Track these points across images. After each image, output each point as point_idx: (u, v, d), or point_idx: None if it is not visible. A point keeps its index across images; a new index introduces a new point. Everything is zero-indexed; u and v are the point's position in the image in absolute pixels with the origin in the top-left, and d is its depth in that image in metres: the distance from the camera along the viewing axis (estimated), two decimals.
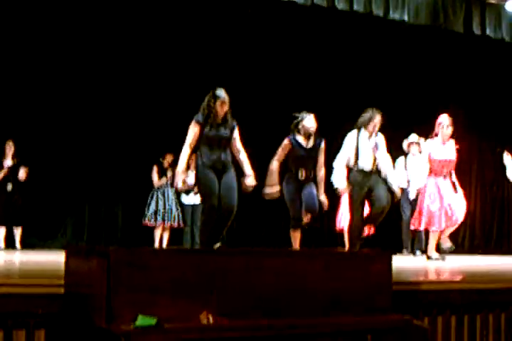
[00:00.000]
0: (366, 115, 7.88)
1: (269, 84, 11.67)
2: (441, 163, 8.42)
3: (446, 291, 4.56)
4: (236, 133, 6.75)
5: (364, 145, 7.82)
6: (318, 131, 7.69)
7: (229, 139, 6.69)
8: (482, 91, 12.84)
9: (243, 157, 6.80)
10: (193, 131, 6.72)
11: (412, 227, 9.16)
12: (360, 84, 11.95)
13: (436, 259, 8.19)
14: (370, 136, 7.84)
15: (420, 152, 10.37)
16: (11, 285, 3.47)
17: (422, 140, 10.25)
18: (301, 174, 7.56)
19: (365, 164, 7.78)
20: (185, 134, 6.82)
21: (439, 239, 8.45)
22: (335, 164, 7.89)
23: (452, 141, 8.53)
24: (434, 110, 9.95)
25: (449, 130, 8.38)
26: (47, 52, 10.77)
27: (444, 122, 8.40)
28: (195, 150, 6.88)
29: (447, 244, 8.51)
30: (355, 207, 7.83)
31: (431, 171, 8.46)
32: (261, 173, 7.38)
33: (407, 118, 11.89)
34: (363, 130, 7.85)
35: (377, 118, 7.85)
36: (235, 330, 3.09)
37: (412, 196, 10.36)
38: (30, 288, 3.48)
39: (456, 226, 8.57)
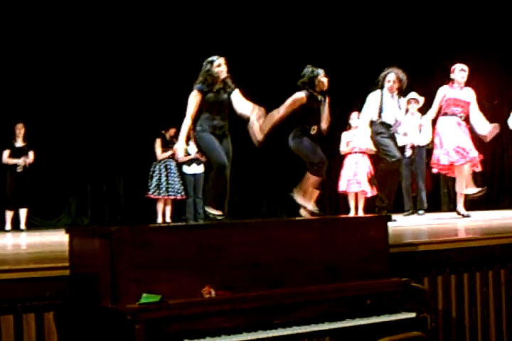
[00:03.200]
0: (381, 74, 7.92)
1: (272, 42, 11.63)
2: (456, 102, 8.37)
3: (444, 251, 4.62)
4: (237, 93, 6.78)
5: (387, 104, 7.86)
6: None
7: (229, 104, 6.72)
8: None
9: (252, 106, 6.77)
10: (194, 99, 6.74)
11: (434, 171, 9.16)
12: (359, 43, 11.90)
13: (466, 216, 8.31)
14: (391, 95, 7.88)
15: (419, 111, 10.43)
16: (18, 271, 3.54)
17: (421, 98, 10.27)
18: (314, 129, 7.53)
19: (388, 119, 7.83)
20: (184, 109, 6.85)
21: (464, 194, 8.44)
22: (359, 123, 7.95)
23: (469, 89, 8.50)
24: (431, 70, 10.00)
25: (463, 74, 8.34)
26: (53, 37, 10.82)
27: (457, 67, 8.39)
28: (196, 119, 6.89)
29: (473, 189, 8.49)
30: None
31: (445, 112, 8.44)
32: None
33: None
34: (384, 89, 7.89)
35: (391, 77, 7.84)
36: (237, 302, 3.17)
37: (407, 154, 10.44)
38: (37, 272, 3.54)
39: (474, 166, 8.52)
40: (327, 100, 7.64)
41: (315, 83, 7.49)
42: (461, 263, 4.64)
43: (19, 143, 10.32)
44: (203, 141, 6.81)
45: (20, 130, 10.33)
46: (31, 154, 10.28)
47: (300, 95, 7.44)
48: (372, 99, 7.95)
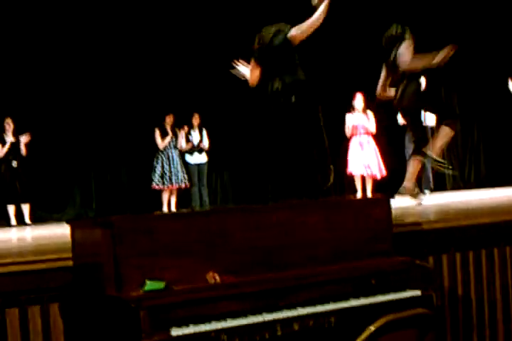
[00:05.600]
0: None
1: None
2: None
3: (448, 229, 4.61)
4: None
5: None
6: None
7: None
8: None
9: None
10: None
11: None
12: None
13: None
14: None
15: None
16: (22, 263, 3.54)
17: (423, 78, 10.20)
18: None
19: None
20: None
21: None
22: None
23: None
24: None
25: None
26: (45, 27, 10.78)
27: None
28: None
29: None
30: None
31: None
32: None
33: None
34: None
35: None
36: (242, 286, 3.17)
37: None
38: (41, 264, 3.55)
39: None
40: None
41: None
42: (465, 241, 4.63)
43: (9, 137, 10.27)
44: None
45: (9, 124, 10.27)
46: (23, 145, 10.22)
47: None
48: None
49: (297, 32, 5.86)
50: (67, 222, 3.52)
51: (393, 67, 7.04)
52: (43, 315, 3.48)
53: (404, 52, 6.94)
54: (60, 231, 5.86)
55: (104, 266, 3.14)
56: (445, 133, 7.10)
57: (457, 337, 4.47)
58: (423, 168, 10.66)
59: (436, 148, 7.08)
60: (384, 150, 11.07)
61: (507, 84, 10.14)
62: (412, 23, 7.48)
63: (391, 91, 7.30)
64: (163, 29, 11.49)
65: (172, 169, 11.30)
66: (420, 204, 7.04)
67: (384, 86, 7.29)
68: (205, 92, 11.72)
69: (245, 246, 3.39)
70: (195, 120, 11.71)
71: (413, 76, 7.10)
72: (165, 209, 11.29)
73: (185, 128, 11.50)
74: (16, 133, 10.31)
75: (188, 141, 11.55)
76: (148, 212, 10.54)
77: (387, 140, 11.42)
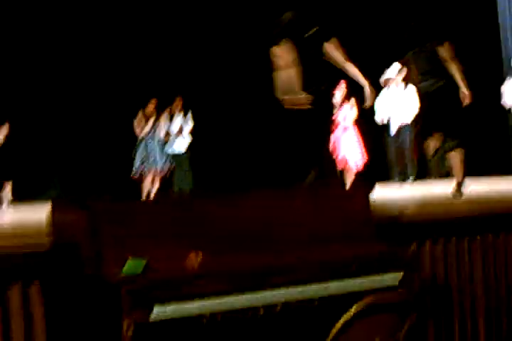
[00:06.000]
0: None
1: None
2: None
3: (431, 216, 4.63)
4: None
5: None
6: None
7: None
8: None
9: None
10: None
11: None
12: None
13: None
14: None
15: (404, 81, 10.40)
16: (2, 244, 3.52)
17: (403, 71, 10.22)
18: None
19: None
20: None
21: None
22: None
23: None
24: None
25: None
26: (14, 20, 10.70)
27: None
28: None
29: None
30: None
31: None
32: None
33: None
34: None
35: None
36: (223, 266, 3.15)
37: (394, 129, 10.46)
38: (20, 246, 3.53)
39: None
40: None
41: None
42: (447, 229, 4.64)
43: None
44: None
45: None
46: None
47: None
48: None
49: None
50: (46, 202, 3.50)
51: None
52: (22, 296, 3.45)
53: None
54: (39, 214, 5.83)
55: (84, 247, 3.12)
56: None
57: (439, 322, 4.48)
58: (406, 157, 10.73)
59: None
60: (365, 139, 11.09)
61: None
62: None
63: None
64: (144, 15, 11.43)
65: (153, 156, 11.26)
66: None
67: None
68: (189, 76, 11.66)
69: (226, 231, 3.37)
70: (177, 105, 11.65)
71: None
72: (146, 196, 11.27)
73: (166, 113, 11.45)
74: None
75: (168, 127, 11.51)
76: (129, 198, 10.53)
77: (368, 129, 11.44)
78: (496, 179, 9.62)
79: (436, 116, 6.97)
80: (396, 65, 10.61)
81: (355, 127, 10.83)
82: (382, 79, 10.82)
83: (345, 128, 10.82)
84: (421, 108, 7.66)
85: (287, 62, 5.68)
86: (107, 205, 3.13)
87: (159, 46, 11.20)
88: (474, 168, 12.77)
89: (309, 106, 5.74)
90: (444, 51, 6.94)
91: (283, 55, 5.70)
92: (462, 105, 6.93)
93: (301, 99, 5.73)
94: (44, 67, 10.98)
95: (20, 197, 10.61)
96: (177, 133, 11.49)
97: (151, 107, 11.31)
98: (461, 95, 6.89)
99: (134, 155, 11.30)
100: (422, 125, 7.74)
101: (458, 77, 6.87)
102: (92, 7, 11.15)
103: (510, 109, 10.34)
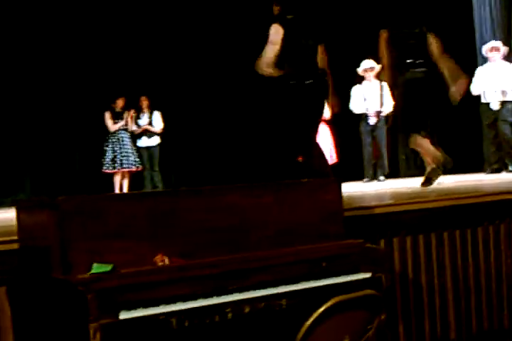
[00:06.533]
0: None
1: None
2: None
3: (399, 212, 4.64)
4: None
5: None
6: None
7: None
8: None
9: None
10: None
11: None
12: None
13: None
14: None
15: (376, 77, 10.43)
16: None
17: (378, 66, 10.22)
18: None
19: None
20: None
21: None
22: None
23: None
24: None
25: None
26: None
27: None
28: None
29: None
30: None
31: None
32: None
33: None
34: None
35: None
36: (191, 269, 3.14)
37: (371, 122, 10.49)
38: None
39: None
40: None
41: None
42: (416, 225, 4.66)
43: None
44: None
45: None
46: None
47: None
48: None
49: None
50: (12, 203, 3.46)
51: None
52: None
53: None
54: (8, 216, 5.77)
55: (51, 249, 3.09)
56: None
57: (409, 319, 4.51)
58: (379, 154, 10.77)
59: None
60: (337, 137, 11.13)
61: None
62: None
63: None
64: (113, 11, 11.37)
65: (123, 152, 11.22)
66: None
67: None
68: (156, 75, 11.64)
69: (195, 229, 3.35)
70: (144, 103, 11.64)
71: None
72: (117, 192, 11.21)
73: (133, 110, 11.43)
74: None
75: (136, 124, 11.49)
76: (100, 194, 10.44)
77: (340, 127, 11.47)
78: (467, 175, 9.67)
79: (416, 112, 6.98)
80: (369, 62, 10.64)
81: (327, 125, 10.87)
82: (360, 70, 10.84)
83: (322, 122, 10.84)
84: (401, 100, 7.60)
85: (277, 40, 6.08)
86: (77, 205, 3.09)
87: (131, 45, 11.16)
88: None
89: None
90: (435, 47, 6.92)
91: (276, 32, 6.11)
92: (448, 103, 6.93)
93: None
94: (13, 67, 10.88)
95: None
96: (145, 129, 11.49)
97: (120, 103, 11.27)
98: (450, 93, 6.87)
99: (104, 150, 11.25)
100: (401, 120, 7.71)
101: (447, 74, 6.84)
102: (63, 9, 11.08)
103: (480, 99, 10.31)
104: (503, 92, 10.02)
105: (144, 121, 11.57)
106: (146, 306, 2.90)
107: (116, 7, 11.40)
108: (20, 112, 11.01)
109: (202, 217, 3.38)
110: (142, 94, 11.54)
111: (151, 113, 11.60)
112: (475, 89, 10.12)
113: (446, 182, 7.42)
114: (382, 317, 3.36)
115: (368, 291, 3.14)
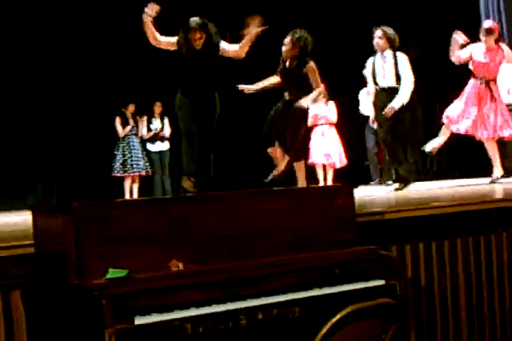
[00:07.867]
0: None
1: None
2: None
3: (411, 218, 4.62)
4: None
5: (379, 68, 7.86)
6: None
7: None
8: None
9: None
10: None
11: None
12: None
13: None
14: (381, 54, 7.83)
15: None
16: None
17: None
18: None
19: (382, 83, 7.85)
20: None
21: None
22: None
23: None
24: None
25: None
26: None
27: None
28: None
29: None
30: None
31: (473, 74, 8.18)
32: None
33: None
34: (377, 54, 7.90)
35: (377, 33, 7.70)
36: (205, 275, 3.14)
37: (375, 126, 10.46)
38: (2, 251, 3.49)
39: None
40: None
41: None
42: (428, 231, 4.64)
43: None
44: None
45: None
46: None
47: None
48: (366, 67, 7.95)
49: (225, 52, 6.74)
50: (28, 208, 3.47)
51: None
52: (4, 303, 3.42)
53: None
54: (22, 219, 5.80)
55: (66, 254, 3.10)
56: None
57: (420, 327, 4.49)
58: (385, 159, 10.75)
59: None
60: (345, 139, 11.13)
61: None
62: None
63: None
64: (123, 17, 11.38)
65: (133, 156, 11.26)
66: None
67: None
68: (167, 81, 11.63)
69: (208, 234, 3.36)
70: (157, 108, 11.69)
71: None
72: (127, 197, 11.24)
73: (146, 116, 11.46)
74: None
75: (149, 129, 11.52)
76: (111, 199, 10.48)
77: (348, 129, 11.47)
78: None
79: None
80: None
81: (335, 128, 10.89)
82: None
83: (326, 128, 10.89)
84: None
85: None
86: (93, 210, 3.10)
87: (143, 51, 11.17)
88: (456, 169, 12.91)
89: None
90: None
91: None
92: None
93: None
94: (27, 73, 10.92)
95: (1, 202, 10.57)
96: (157, 134, 11.51)
97: (132, 109, 11.31)
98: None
99: (114, 155, 11.29)
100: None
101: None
102: (73, 13, 11.10)
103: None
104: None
105: (155, 126, 11.61)
106: (160, 312, 2.90)
107: (131, 12, 11.40)
108: (32, 117, 11.05)
109: (215, 223, 3.39)
110: (156, 100, 11.56)
111: (162, 119, 11.63)
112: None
113: (458, 186, 7.40)
114: (397, 326, 3.35)
115: (382, 300, 3.14)
